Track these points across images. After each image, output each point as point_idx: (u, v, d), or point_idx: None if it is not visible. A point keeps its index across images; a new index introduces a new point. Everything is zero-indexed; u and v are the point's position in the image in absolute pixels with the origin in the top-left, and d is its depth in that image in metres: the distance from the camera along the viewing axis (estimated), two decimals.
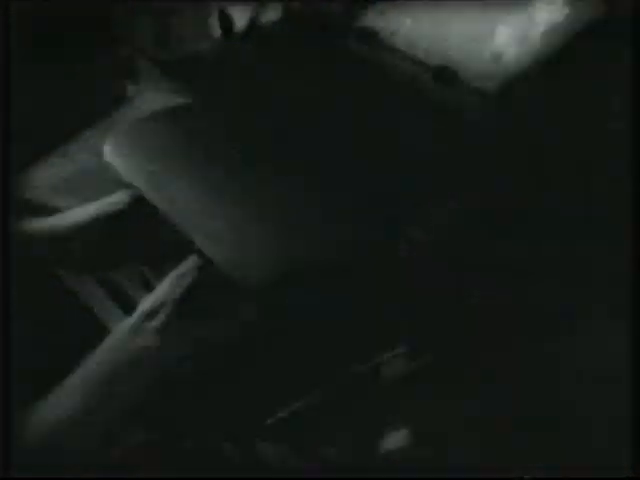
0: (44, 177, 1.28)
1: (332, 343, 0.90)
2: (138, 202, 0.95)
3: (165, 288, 0.87)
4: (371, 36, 0.97)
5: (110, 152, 0.94)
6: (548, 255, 0.94)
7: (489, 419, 0.90)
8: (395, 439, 0.90)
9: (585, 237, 0.94)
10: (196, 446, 0.94)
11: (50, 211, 1.15)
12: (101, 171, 1.26)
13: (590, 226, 0.94)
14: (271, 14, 1.23)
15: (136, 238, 0.99)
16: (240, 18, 1.15)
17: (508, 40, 0.88)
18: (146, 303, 0.86)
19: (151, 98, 1.47)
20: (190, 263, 0.89)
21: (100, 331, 1.01)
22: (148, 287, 1.02)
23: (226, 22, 1.06)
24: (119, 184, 1.22)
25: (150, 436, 0.95)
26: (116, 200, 0.97)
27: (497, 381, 0.94)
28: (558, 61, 0.86)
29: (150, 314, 0.84)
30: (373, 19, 0.98)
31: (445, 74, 0.88)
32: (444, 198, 0.84)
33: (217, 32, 1.74)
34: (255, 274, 0.78)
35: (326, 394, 0.90)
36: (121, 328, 0.84)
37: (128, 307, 1.04)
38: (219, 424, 0.91)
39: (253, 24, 1.31)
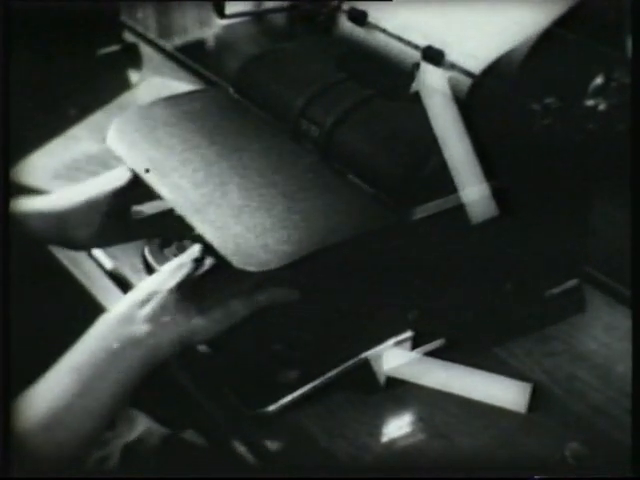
0: (46, 163, 1.27)
1: (338, 329, 0.90)
2: (137, 178, 0.95)
3: (159, 278, 0.87)
4: (361, 17, 0.97)
5: (113, 138, 0.93)
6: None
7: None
8: (400, 427, 0.90)
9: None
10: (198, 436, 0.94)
11: None
12: (104, 158, 1.26)
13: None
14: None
15: (135, 215, 0.99)
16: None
17: (496, 22, 0.89)
18: (138, 292, 0.85)
19: (155, 85, 1.47)
20: (187, 256, 0.89)
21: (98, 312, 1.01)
22: (149, 269, 1.02)
23: (219, 3, 1.06)
24: None
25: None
26: (116, 177, 0.97)
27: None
28: (542, 42, 0.86)
29: (141, 303, 0.83)
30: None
31: (433, 54, 0.89)
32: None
33: (218, 20, 1.74)
34: (257, 262, 0.77)
35: (332, 381, 0.90)
36: (111, 315, 0.83)
37: (127, 289, 1.04)
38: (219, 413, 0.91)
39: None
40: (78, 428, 0.78)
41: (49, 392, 0.79)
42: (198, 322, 0.83)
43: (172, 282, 0.85)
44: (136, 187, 0.95)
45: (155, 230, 1.02)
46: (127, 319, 0.82)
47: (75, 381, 0.79)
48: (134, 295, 0.85)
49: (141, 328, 0.81)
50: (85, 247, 1.04)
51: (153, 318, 0.82)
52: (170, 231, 1.00)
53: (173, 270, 0.87)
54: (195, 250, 0.90)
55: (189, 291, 0.85)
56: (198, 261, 0.88)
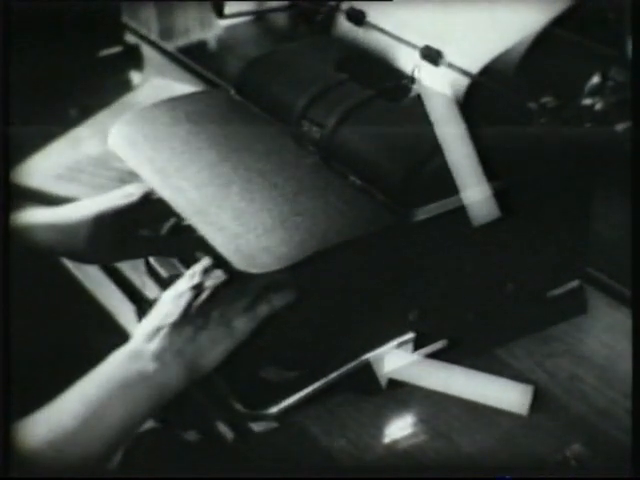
0: (48, 165, 1.28)
1: (339, 330, 0.90)
2: (149, 196, 0.95)
3: (162, 310, 0.87)
4: (359, 16, 0.97)
5: (115, 139, 0.93)
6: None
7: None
8: (401, 427, 0.90)
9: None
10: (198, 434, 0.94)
11: (53, 200, 1.15)
12: (106, 159, 1.27)
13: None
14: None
15: (145, 231, 0.99)
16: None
17: (493, 21, 0.90)
18: (144, 327, 0.85)
19: (156, 86, 1.47)
20: (185, 283, 0.89)
21: (104, 321, 1.01)
22: (156, 277, 1.02)
23: (218, 3, 1.07)
24: (124, 173, 1.22)
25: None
26: (127, 193, 0.97)
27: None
28: (540, 42, 0.87)
29: (148, 338, 0.84)
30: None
31: (431, 54, 0.89)
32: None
33: (219, 22, 1.75)
34: (259, 263, 0.77)
35: (334, 382, 0.90)
36: (122, 350, 0.84)
37: (135, 296, 1.04)
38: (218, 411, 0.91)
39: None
40: (83, 454, 0.79)
41: (57, 417, 0.79)
42: (205, 350, 0.84)
43: (174, 315, 0.85)
44: (147, 205, 0.96)
45: (164, 249, 1.02)
46: (137, 355, 0.82)
47: (83, 410, 0.79)
48: (142, 330, 0.85)
49: (150, 365, 0.82)
50: (92, 262, 1.03)
51: (160, 355, 0.82)
52: (180, 251, 1.00)
53: (174, 300, 0.87)
54: (192, 275, 0.90)
55: (191, 320, 0.85)
56: (196, 288, 0.88)
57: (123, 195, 0.97)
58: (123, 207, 0.96)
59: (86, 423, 0.79)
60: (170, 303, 0.87)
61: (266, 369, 0.90)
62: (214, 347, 0.84)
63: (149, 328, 0.85)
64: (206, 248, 0.88)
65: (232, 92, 1.00)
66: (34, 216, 0.97)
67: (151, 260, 1.03)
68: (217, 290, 0.88)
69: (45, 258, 1.04)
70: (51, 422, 0.79)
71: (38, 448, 0.77)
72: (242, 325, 0.85)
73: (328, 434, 0.89)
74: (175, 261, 1.01)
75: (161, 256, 1.03)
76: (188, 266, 0.95)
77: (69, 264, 1.08)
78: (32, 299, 0.95)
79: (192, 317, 0.85)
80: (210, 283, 0.88)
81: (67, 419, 0.79)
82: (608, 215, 1.04)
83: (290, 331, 0.91)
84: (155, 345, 0.83)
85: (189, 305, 0.86)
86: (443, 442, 0.88)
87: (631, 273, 0.82)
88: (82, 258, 1.00)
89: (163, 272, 1.02)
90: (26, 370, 0.82)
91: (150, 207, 0.96)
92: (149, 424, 0.96)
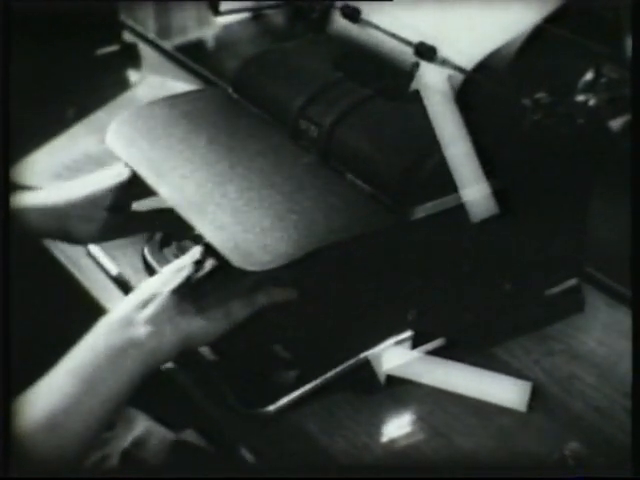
0: (46, 163, 1.28)
1: (337, 328, 0.90)
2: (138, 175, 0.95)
3: (160, 279, 0.86)
4: (354, 14, 0.97)
5: (112, 138, 0.93)
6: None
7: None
8: (399, 426, 0.90)
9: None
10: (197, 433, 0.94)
11: None
12: (104, 158, 1.26)
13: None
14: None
15: (134, 210, 1.00)
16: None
17: (487, 18, 0.90)
18: (138, 293, 0.85)
19: (154, 85, 1.47)
20: (188, 258, 0.89)
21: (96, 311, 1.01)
22: (152, 273, 1.02)
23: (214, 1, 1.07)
24: None
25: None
26: (117, 172, 0.97)
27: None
28: (533, 38, 0.87)
29: (142, 304, 0.83)
30: None
31: (426, 50, 0.89)
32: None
33: (217, 20, 1.75)
34: (257, 262, 0.77)
35: (332, 381, 0.90)
36: (111, 317, 0.83)
37: (126, 289, 1.04)
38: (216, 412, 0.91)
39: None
40: (77, 429, 0.78)
41: (49, 393, 0.78)
42: (198, 324, 0.83)
43: (172, 284, 0.85)
44: (135, 183, 0.96)
45: (154, 225, 1.02)
46: (127, 321, 0.82)
47: (75, 382, 0.78)
48: (135, 297, 0.84)
49: (141, 330, 0.81)
50: (84, 242, 1.04)
51: (153, 320, 0.82)
52: (168, 226, 1.00)
53: (173, 272, 0.87)
54: (195, 252, 0.90)
55: (189, 293, 0.85)
56: (198, 263, 0.88)
57: (113, 174, 0.98)
58: (113, 186, 0.97)
59: (77, 397, 0.78)
60: (169, 274, 0.87)
61: (264, 368, 0.90)
62: (208, 324, 0.83)
63: (143, 296, 0.84)
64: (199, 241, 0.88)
65: (229, 91, 1.00)
66: (25, 199, 0.97)
67: (148, 257, 1.04)
68: (218, 269, 0.87)
69: (41, 254, 1.04)
70: (43, 398, 0.78)
71: (34, 426, 0.76)
72: (238, 308, 0.85)
73: (326, 433, 0.89)
74: (172, 258, 1.02)
75: (151, 232, 1.03)
76: None
77: (65, 262, 1.08)
78: (27, 297, 0.95)
79: (189, 289, 0.85)
80: (211, 263, 0.88)
81: (57, 396, 0.78)
82: (608, 214, 1.04)
83: (288, 329, 0.91)
84: (149, 311, 0.82)
85: (188, 278, 0.86)
86: (441, 441, 0.88)
87: (630, 272, 0.82)
88: (74, 239, 0.99)
89: (160, 269, 1.02)
90: (23, 372, 0.82)
91: (139, 185, 0.96)
92: (147, 424, 0.96)
